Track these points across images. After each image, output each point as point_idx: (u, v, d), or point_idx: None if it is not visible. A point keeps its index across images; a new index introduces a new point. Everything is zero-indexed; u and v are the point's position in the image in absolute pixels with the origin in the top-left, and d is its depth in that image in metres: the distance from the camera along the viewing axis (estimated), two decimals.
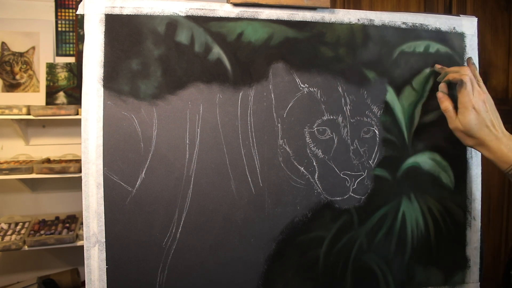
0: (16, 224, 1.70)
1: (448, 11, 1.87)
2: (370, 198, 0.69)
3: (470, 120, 0.63)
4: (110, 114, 0.61)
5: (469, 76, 0.64)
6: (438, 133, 0.73)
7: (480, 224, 0.74)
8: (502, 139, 0.62)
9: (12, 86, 1.76)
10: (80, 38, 1.82)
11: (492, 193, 1.86)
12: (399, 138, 0.71)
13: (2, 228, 1.66)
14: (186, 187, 0.63)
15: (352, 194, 0.69)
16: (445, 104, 0.67)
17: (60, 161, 1.68)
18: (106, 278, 0.61)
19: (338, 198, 0.68)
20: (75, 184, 1.81)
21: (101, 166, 0.60)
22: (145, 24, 0.63)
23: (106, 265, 0.61)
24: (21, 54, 1.77)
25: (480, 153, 0.74)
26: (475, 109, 0.63)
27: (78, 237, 1.64)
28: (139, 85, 0.62)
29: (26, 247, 1.56)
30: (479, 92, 0.64)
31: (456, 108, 0.66)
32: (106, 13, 0.62)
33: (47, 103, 1.77)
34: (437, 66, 0.71)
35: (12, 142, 1.78)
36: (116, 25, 0.62)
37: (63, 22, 1.82)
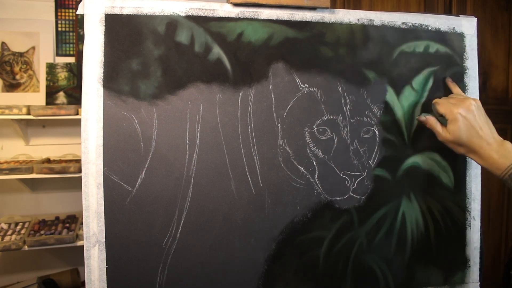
0: (16, 224, 1.70)
1: (448, 11, 1.87)
2: (370, 198, 0.69)
3: (458, 127, 0.63)
4: (110, 114, 0.61)
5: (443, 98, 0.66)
6: None
7: (480, 224, 0.74)
8: (492, 145, 0.62)
9: (12, 86, 1.76)
10: (80, 38, 1.82)
11: (492, 193, 1.86)
12: (399, 138, 0.71)
13: (2, 228, 1.66)
14: (186, 187, 0.63)
15: (352, 194, 0.69)
16: (430, 121, 0.67)
17: (60, 161, 1.68)
18: (106, 278, 0.61)
19: (338, 198, 0.68)
20: (75, 184, 1.81)
21: (101, 166, 0.61)
22: (145, 24, 0.63)
23: (106, 265, 0.61)
24: (21, 54, 1.77)
25: None
26: (462, 115, 0.62)
27: (78, 237, 1.65)
28: (139, 85, 0.62)
29: (26, 247, 1.56)
30: (460, 100, 0.64)
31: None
32: (106, 13, 0.62)
33: (47, 103, 1.77)
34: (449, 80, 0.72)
35: (12, 142, 1.78)
36: (116, 25, 0.62)
37: (63, 22, 1.83)
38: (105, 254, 0.61)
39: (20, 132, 1.73)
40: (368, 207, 0.69)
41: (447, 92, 0.73)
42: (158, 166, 0.62)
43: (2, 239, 1.57)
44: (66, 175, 1.58)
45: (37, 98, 1.78)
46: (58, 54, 1.82)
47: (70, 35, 1.83)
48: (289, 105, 0.67)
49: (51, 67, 1.79)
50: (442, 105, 0.65)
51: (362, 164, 0.69)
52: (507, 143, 0.62)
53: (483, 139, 0.62)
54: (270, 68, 0.66)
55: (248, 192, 0.65)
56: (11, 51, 1.76)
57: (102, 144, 0.61)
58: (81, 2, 0.62)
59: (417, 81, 0.72)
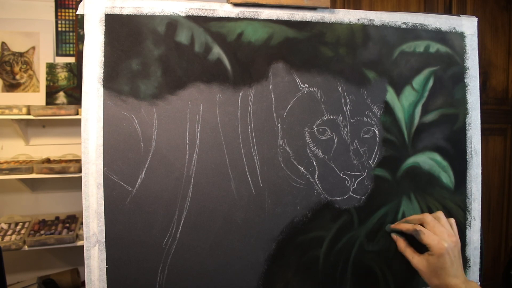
0: (16, 224, 1.70)
1: (448, 11, 1.87)
2: (370, 198, 0.69)
3: (441, 262, 0.61)
4: (110, 114, 0.61)
5: (425, 220, 0.64)
6: (438, 133, 0.73)
7: (480, 224, 0.74)
8: (462, 284, 0.61)
9: (12, 86, 1.76)
10: (80, 38, 1.82)
11: (492, 193, 1.86)
12: (399, 138, 0.71)
13: (2, 228, 1.66)
14: (186, 187, 0.63)
15: (352, 194, 0.69)
16: (400, 244, 0.67)
17: (60, 161, 1.68)
18: (106, 278, 0.61)
19: (338, 198, 0.68)
20: (75, 184, 1.81)
21: (101, 166, 0.60)
22: (145, 24, 0.63)
23: (106, 265, 0.61)
24: (21, 54, 1.77)
25: (480, 153, 0.74)
26: (447, 251, 0.61)
27: (78, 237, 1.65)
28: (139, 85, 0.62)
29: (26, 247, 1.56)
30: (445, 233, 0.62)
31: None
32: (106, 13, 0.62)
33: (47, 103, 1.77)
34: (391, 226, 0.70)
35: (12, 142, 1.78)
36: (116, 25, 0.62)
37: (63, 22, 1.83)
38: (105, 254, 0.61)
39: (20, 132, 1.73)
40: (368, 207, 0.69)
41: (447, 92, 0.73)
42: (158, 166, 0.62)
43: (2, 239, 1.57)
44: (66, 175, 1.58)
45: (37, 98, 1.78)
46: (58, 54, 1.82)
47: (70, 35, 1.83)
48: (289, 105, 0.67)
49: (51, 67, 1.79)
50: (427, 236, 0.62)
51: (362, 164, 0.69)
52: (473, 282, 0.63)
53: (457, 278, 0.61)
54: (270, 68, 0.66)
55: (248, 192, 0.65)
56: (11, 51, 1.76)
57: (102, 144, 0.61)
58: (81, 2, 0.61)
59: (417, 81, 0.72)
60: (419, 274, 0.65)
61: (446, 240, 0.61)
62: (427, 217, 0.65)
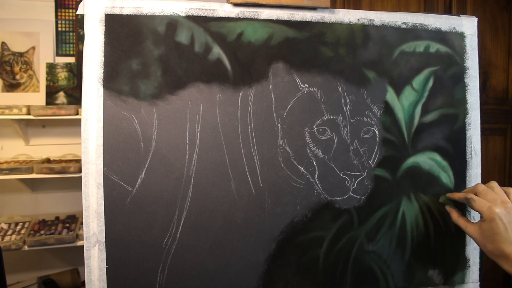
0: (16, 224, 1.70)
1: (448, 11, 1.87)
2: (370, 198, 0.69)
3: (493, 228, 0.59)
4: (110, 114, 0.61)
5: (477, 189, 0.63)
6: (438, 133, 0.73)
7: None
8: None
9: (12, 86, 1.76)
10: (80, 38, 1.82)
11: None
12: (399, 138, 0.71)
13: (2, 228, 1.66)
14: (186, 187, 0.63)
15: (352, 194, 0.69)
16: (453, 215, 0.67)
17: (60, 161, 1.68)
18: (106, 278, 0.61)
19: (338, 198, 0.68)
20: (75, 184, 1.81)
21: (101, 166, 0.60)
22: (145, 24, 0.63)
23: (106, 265, 0.61)
24: (21, 54, 1.78)
25: (480, 153, 0.74)
26: (499, 216, 0.59)
27: (78, 237, 1.65)
28: (139, 85, 0.62)
29: (26, 247, 1.56)
30: (499, 198, 0.61)
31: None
32: (106, 13, 0.62)
33: (47, 103, 1.77)
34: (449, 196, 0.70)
35: (12, 142, 1.78)
36: (116, 25, 0.62)
37: (63, 22, 1.83)
38: (105, 254, 0.61)
39: (20, 132, 1.73)
40: (368, 207, 0.69)
41: (447, 92, 0.73)
42: (158, 166, 0.62)
43: (2, 239, 1.57)
44: (66, 175, 1.58)
45: (37, 98, 1.78)
46: (58, 54, 1.82)
47: (70, 35, 1.84)
48: (289, 105, 0.67)
49: (51, 67, 1.79)
50: (477, 202, 0.62)
51: (362, 164, 0.69)
52: None
53: None
54: (270, 68, 0.66)
55: (248, 192, 0.65)
56: (11, 51, 1.76)
57: (102, 144, 0.61)
58: (81, 2, 0.62)
59: (417, 81, 0.72)
60: (475, 242, 0.64)
61: (497, 206, 0.60)
62: (480, 186, 0.64)
